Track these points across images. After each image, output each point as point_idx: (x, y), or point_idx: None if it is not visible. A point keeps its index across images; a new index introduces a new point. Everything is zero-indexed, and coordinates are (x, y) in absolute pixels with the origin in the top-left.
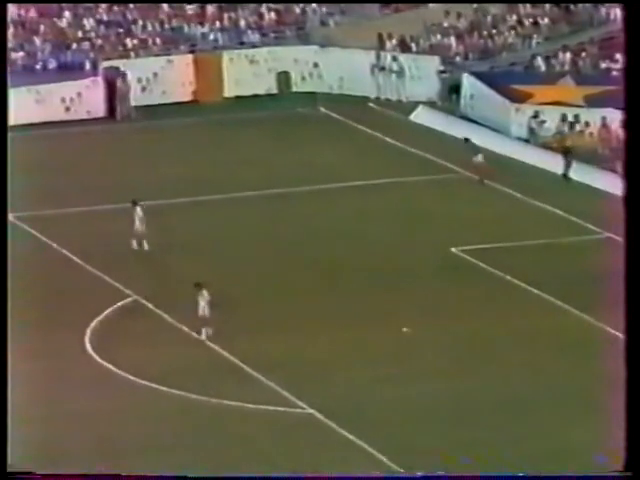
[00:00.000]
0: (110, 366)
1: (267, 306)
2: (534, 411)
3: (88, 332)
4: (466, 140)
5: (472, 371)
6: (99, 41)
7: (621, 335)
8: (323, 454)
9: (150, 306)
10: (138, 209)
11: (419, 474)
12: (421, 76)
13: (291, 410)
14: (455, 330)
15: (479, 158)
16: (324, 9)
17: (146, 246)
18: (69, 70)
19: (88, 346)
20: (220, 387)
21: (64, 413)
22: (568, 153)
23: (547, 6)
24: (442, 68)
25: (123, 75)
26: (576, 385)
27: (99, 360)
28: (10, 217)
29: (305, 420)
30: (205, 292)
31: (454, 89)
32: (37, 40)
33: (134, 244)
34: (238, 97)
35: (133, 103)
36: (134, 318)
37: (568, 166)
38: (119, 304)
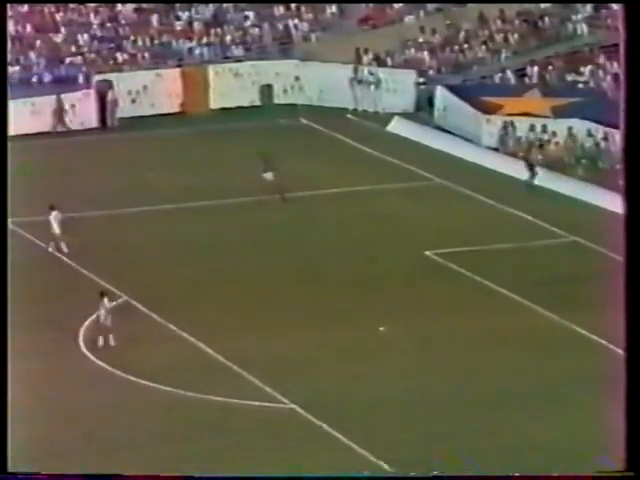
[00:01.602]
0: (103, 364)
1: (250, 307)
2: (503, 406)
3: (82, 331)
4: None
5: (445, 368)
6: (92, 56)
7: (586, 333)
8: (304, 446)
9: (140, 306)
10: (54, 214)
11: (419, 474)
12: (397, 89)
13: (273, 405)
14: (429, 329)
15: (270, 176)
16: (305, 25)
17: (65, 249)
18: (63, 83)
19: (82, 345)
20: (206, 383)
21: (59, 409)
22: (533, 166)
23: (516, 22)
24: (420, 80)
25: (111, 88)
26: (543, 381)
27: (92, 358)
28: (8, 223)
29: (287, 414)
30: (106, 301)
31: (428, 101)
32: (33, 55)
33: (50, 248)
34: (223, 109)
35: (120, 114)
36: (125, 318)
37: (532, 177)
38: (111, 304)
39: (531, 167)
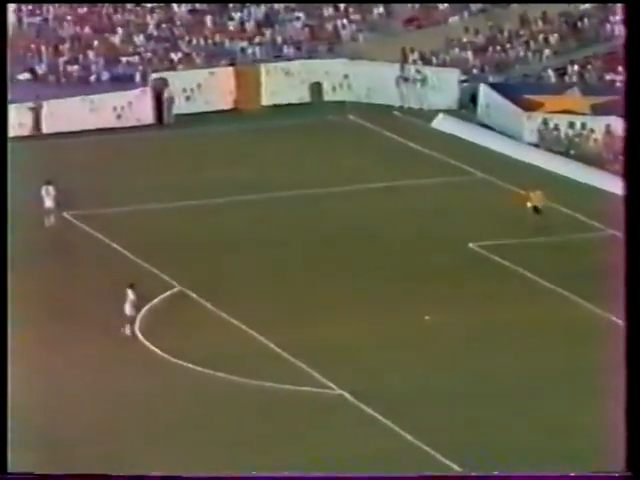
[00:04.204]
0: (158, 350)
1: (300, 297)
2: (543, 393)
3: (138, 319)
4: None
5: (487, 356)
6: (148, 55)
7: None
8: (352, 431)
9: (194, 295)
10: (48, 188)
11: (419, 474)
12: (441, 87)
13: (322, 391)
14: (472, 318)
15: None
16: (354, 26)
17: (49, 221)
18: (120, 81)
19: (138, 332)
20: (257, 370)
21: (116, 392)
22: (538, 211)
23: (556, 23)
24: (463, 77)
25: (167, 85)
26: (583, 370)
27: (148, 344)
28: (66, 215)
29: (335, 400)
30: (131, 292)
31: (471, 99)
32: (91, 54)
33: (47, 221)
34: (274, 106)
35: (175, 111)
36: (179, 306)
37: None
38: (166, 294)
39: (535, 209)
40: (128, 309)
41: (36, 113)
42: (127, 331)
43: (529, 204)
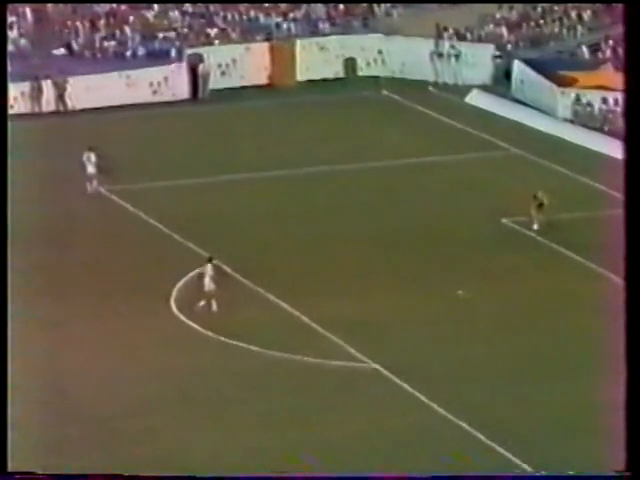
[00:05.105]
0: (193, 324)
1: (334, 271)
2: (578, 368)
3: (174, 293)
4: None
5: (519, 331)
6: (184, 30)
7: None
8: (386, 405)
9: (229, 270)
10: (90, 155)
11: (419, 474)
12: (476, 62)
13: (358, 365)
14: (505, 293)
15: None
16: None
17: (91, 187)
18: (156, 57)
19: (173, 306)
20: (294, 344)
21: (152, 367)
22: (540, 206)
23: None
24: (497, 53)
25: (202, 61)
26: (617, 345)
27: (183, 319)
28: (102, 190)
29: (370, 374)
30: (210, 267)
31: (505, 74)
32: (127, 30)
33: (90, 187)
34: (309, 81)
35: (211, 86)
36: (215, 281)
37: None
38: (202, 268)
39: (538, 209)
40: (207, 284)
41: (61, 88)
42: (205, 306)
43: (533, 213)
